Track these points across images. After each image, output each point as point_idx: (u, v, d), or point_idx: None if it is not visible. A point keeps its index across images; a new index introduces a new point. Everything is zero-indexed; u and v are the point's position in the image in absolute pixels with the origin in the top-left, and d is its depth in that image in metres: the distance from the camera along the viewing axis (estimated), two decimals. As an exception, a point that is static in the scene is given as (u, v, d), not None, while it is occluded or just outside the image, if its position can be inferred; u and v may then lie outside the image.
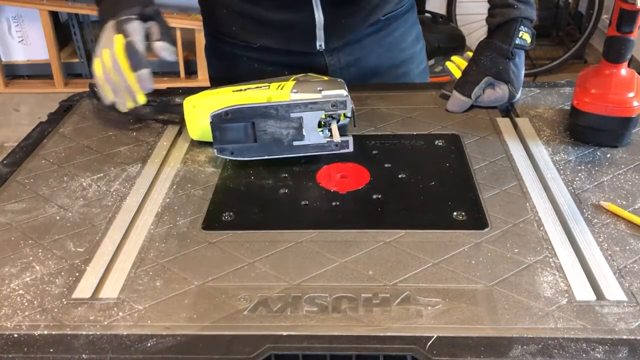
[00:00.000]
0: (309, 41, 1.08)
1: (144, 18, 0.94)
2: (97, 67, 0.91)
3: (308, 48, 1.09)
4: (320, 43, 1.08)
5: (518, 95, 0.99)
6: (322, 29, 1.06)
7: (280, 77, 0.92)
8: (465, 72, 0.99)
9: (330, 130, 0.85)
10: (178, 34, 3.33)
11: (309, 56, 1.10)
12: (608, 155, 0.85)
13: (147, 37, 0.95)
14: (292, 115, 0.81)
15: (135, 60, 0.89)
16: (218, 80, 1.19)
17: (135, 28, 0.92)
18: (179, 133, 0.96)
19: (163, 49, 0.95)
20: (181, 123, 0.97)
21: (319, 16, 1.04)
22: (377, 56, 1.14)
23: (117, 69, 0.89)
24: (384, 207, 0.77)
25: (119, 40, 0.90)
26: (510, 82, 0.97)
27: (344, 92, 0.85)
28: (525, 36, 0.97)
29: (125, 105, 0.92)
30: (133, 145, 0.93)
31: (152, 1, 0.97)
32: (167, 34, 0.96)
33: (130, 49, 0.89)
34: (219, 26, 1.14)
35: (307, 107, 0.81)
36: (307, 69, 1.00)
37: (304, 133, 0.83)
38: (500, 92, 0.97)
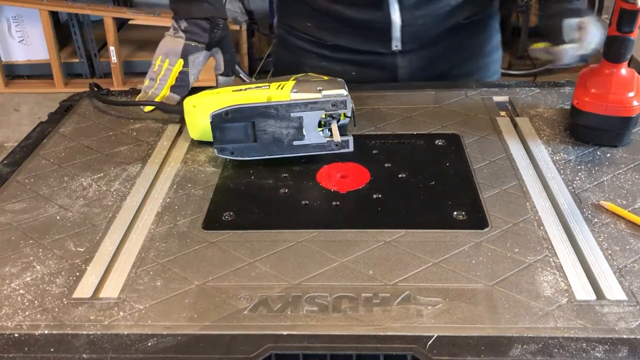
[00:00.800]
0: (386, 41, 1.08)
1: (210, 45, 1.02)
2: (157, 62, 1.01)
3: (383, 48, 1.09)
4: (396, 44, 1.08)
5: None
6: (399, 30, 1.06)
7: (280, 77, 0.92)
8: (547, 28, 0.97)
9: (330, 130, 0.85)
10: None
11: (381, 56, 1.10)
12: (608, 155, 0.85)
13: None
14: (292, 115, 0.82)
15: (179, 87, 0.99)
16: (283, 73, 1.20)
17: (198, 62, 1.01)
18: (179, 133, 0.96)
19: (223, 85, 1.05)
20: (181, 123, 0.97)
21: (395, 17, 1.04)
22: (451, 61, 1.13)
23: (163, 80, 0.99)
24: (384, 207, 0.77)
25: (179, 64, 1.00)
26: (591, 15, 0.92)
27: (344, 91, 0.85)
28: None
29: (144, 93, 1.01)
30: (133, 145, 0.93)
31: (220, 12, 1.04)
32: (231, 67, 1.06)
33: (181, 78, 0.99)
34: (293, 21, 1.16)
35: (307, 107, 0.81)
36: (377, 69, 1.03)
37: (304, 133, 0.83)
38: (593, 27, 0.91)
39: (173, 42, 1.00)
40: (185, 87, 1.00)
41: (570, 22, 0.92)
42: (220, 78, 1.06)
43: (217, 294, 0.63)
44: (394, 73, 1.12)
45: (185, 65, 1.00)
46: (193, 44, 1.00)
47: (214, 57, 1.05)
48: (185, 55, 1.00)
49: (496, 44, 1.19)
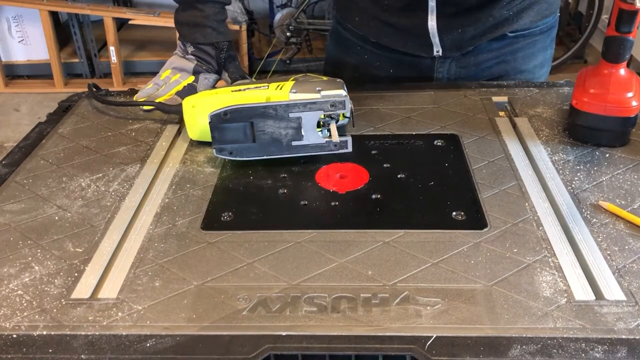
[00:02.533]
0: (426, 46, 1.07)
1: (219, 71, 1.05)
2: (165, 74, 1.04)
3: (424, 52, 1.09)
4: (437, 49, 1.07)
5: None
6: (437, 37, 1.05)
7: (279, 77, 0.92)
8: None
9: (329, 130, 0.85)
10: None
11: (420, 60, 1.10)
12: (607, 155, 0.85)
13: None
14: (291, 115, 0.81)
15: (184, 94, 0.99)
16: (330, 65, 1.24)
17: (207, 83, 1.03)
18: (178, 133, 0.96)
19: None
20: (180, 123, 0.97)
21: (432, 24, 1.04)
22: (490, 74, 1.11)
23: (169, 86, 1.02)
24: (383, 207, 0.77)
25: (188, 80, 1.03)
26: None
27: (342, 92, 0.86)
28: None
29: (142, 94, 1.02)
30: (132, 145, 0.93)
31: (224, 35, 1.05)
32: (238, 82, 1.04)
33: (189, 88, 1.02)
34: (343, 14, 1.17)
35: (306, 107, 0.81)
36: (415, 70, 1.02)
37: (302, 133, 0.83)
38: None
39: (184, 62, 1.04)
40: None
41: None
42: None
43: (216, 294, 0.63)
44: (431, 77, 1.12)
45: (195, 81, 1.03)
46: (204, 67, 1.04)
47: (222, 79, 1.08)
48: (196, 73, 1.03)
49: (543, 61, 1.15)
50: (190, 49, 1.04)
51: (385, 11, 1.07)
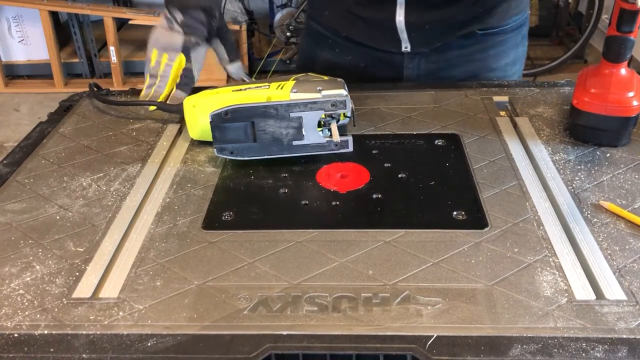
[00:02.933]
0: (395, 41, 1.07)
1: (209, 36, 0.98)
2: (153, 57, 0.96)
3: (393, 48, 1.08)
4: (405, 45, 1.07)
5: None
6: (406, 33, 1.05)
7: (280, 77, 0.92)
8: None
9: (330, 130, 0.85)
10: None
11: (389, 55, 1.09)
12: (608, 155, 0.85)
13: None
14: (291, 114, 0.82)
15: (184, 85, 0.96)
16: (304, 60, 1.23)
17: (198, 57, 0.97)
18: (179, 133, 0.96)
19: (235, 71, 1.03)
20: (181, 123, 0.97)
21: (400, 19, 1.03)
22: (460, 72, 1.10)
23: (164, 77, 0.96)
24: (384, 207, 0.77)
25: (180, 60, 0.96)
26: None
27: (343, 91, 0.86)
28: None
29: (147, 92, 0.98)
30: (133, 145, 0.93)
31: (219, 1, 1.00)
32: (234, 52, 1.03)
33: (185, 74, 0.96)
34: (314, 8, 1.18)
35: (307, 107, 0.81)
36: (385, 66, 1.01)
37: (303, 133, 0.83)
38: None
39: (170, 36, 0.96)
40: (190, 84, 0.97)
41: None
42: (230, 67, 1.04)
43: (217, 294, 0.63)
44: (401, 73, 1.12)
45: (188, 60, 0.96)
46: (193, 39, 0.96)
47: (214, 49, 1.02)
48: (186, 51, 0.96)
49: (515, 59, 1.15)
50: (179, 17, 0.95)
51: (357, 4, 1.07)
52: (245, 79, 1.03)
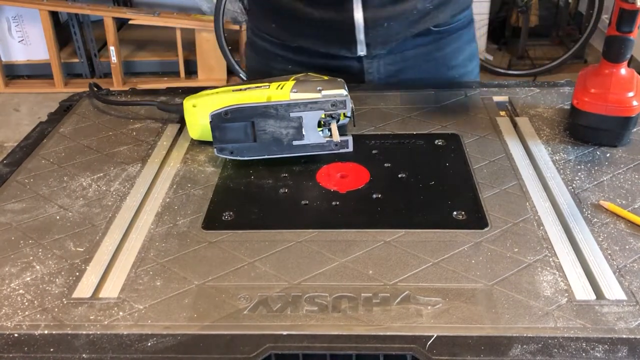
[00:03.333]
0: (349, 45, 1.04)
1: None
2: None
3: (348, 52, 1.05)
4: (361, 48, 1.04)
5: None
6: (362, 32, 1.02)
7: (280, 77, 0.92)
8: None
9: (330, 129, 0.85)
10: (178, 33, 3.33)
11: (346, 61, 1.06)
12: (608, 155, 0.85)
13: None
14: (291, 114, 0.82)
15: None
16: (253, 75, 1.17)
17: None
18: (179, 133, 0.96)
19: None
20: (181, 123, 0.97)
21: (358, 17, 1.00)
22: (421, 71, 1.09)
23: None
24: (384, 207, 0.77)
25: None
26: None
27: (343, 91, 0.86)
28: None
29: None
30: (133, 145, 0.93)
31: None
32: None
33: None
34: (259, 23, 1.13)
35: (307, 107, 0.81)
36: (343, 74, 0.96)
37: (303, 133, 0.83)
38: None
39: None
40: None
41: None
42: None
43: (217, 293, 0.63)
44: (362, 79, 1.08)
45: None
46: None
47: None
48: None
49: (471, 54, 1.15)
50: None
51: (309, 5, 1.02)
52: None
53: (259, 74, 1.15)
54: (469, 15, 1.13)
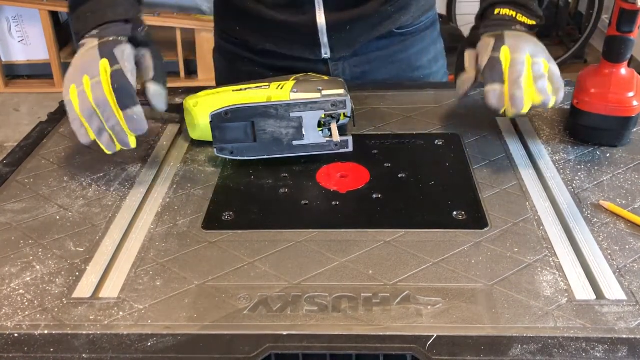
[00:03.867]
0: (313, 47, 1.04)
1: (134, 43, 0.81)
2: (74, 98, 0.74)
3: (312, 55, 1.04)
4: (325, 50, 1.04)
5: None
6: (326, 35, 1.02)
7: (280, 77, 0.92)
8: None
9: (329, 129, 0.85)
10: (178, 33, 3.33)
11: (312, 64, 1.05)
12: (608, 155, 0.85)
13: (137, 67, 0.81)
14: (291, 114, 0.82)
15: (124, 94, 0.74)
16: (222, 79, 1.17)
17: (126, 53, 0.77)
18: (179, 133, 0.96)
19: (156, 95, 0.80)
20: (181, 123, 0.97)
21: (321, 19, 1.00)
22: (386, 73, 1.09)
23: (101, 104, 0.74)
24: (384, 207, 0.77)
25: (104, 67, 0.75)
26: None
27: (343, 91, 0.86)
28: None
29: (112, 148, 0.78)
30: (133, 145, 0.93)
31: (140, 18, 0.85)
32: (161, 72, 0.82)
33: (118, 80, 0.74)
34: (224, 25, 1.12)
35: (307, 107, 0.81)
36: None
37: (303, 133, 0.83)
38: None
39: (87, 56, 0.78)
40: (130, 93, 0.75)
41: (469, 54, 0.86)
42: (151, 85, 0.82)
43: (217, 293, 0.63)
44: None
45: (114, 62, 0.76)
46: (111, 38, 0.78)
47: (139, 57, 0.82)
48: (106, 53, 0.76)
49: (436, 55, 1.15)
50: (95, 31, 0.80)
51: (273, 9, 1.01)
52: (159, 109, 0.84)
53: (227, 76, 1.15)
54: (433, 16, 1.13)
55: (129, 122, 0.75)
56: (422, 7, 1.09)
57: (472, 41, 0.87)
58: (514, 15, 0.85)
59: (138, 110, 0.75)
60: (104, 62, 0.75)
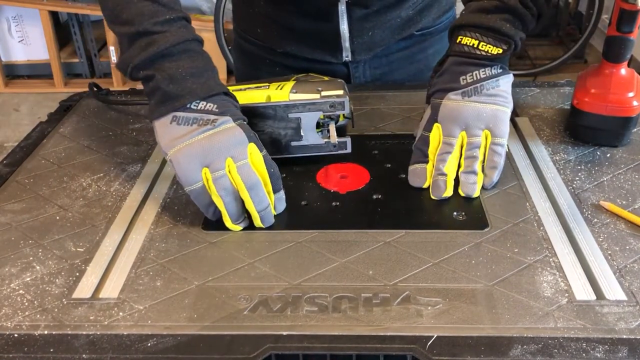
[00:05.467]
0: (335, 51, 1.05)
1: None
2: (210, 183, 0.70)
3: (333, 58, 1.06)
4: (346, 54, 1.05)
5: None
6: (348, 41, 1.03)
7: (281, 77, 0.92)
8: None
9: (328, 131, 0.85)
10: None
11: (332, 66, 1.07)
12: (608, 155, 0.85)
13: None
14: (290, 115, 0.81)
15: (276, 178, 0.74)
16: (243, 77, 1.18)
17: (260, 142, 0.74)
18: (179, 133, 0.96)
19: (281, 199, 0.76)
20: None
21: (343, 27, 1.01)
22: (405, 73, 1.10)
23: (254, 187, 0.71)
24: (384, 207, 0.77)
25: (250, 152, 0.72)
26: None
27: (342, 92, 0.85)
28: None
29: (242, 224, 0.74)
30: (133, 145, 0.93)
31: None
32: (278, 180, 0.76)
33: (272, 165, 0.73)
34: (245, 26, 1.13)
35: (305, 108, 0.81)
36: (331, 77, 0.97)
37: (302, 134, 0.83)
38: None
39: (208, 140, 0.71)
40: (279, 177, 0.75)
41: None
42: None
43: (217, 294, 0.63)
44: (348, 83, 1.09)
45: (261, 149, 0.73)
46: (245, 122, 0.75)
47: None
48: (253, 138, 0.73)
49: None
50: (211, 105, 0.72)
51: (292, 17, 1.02)
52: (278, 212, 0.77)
53: (247, 75, 1.15)
54: (452, 16, 1.13)
55: (278, 204, 0.76)
56: (443, 8, 1.09)
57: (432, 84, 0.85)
58: (475, 45, 0.79)
59: (283, 192, 0.76)
60: (252, 147, 0.72)
